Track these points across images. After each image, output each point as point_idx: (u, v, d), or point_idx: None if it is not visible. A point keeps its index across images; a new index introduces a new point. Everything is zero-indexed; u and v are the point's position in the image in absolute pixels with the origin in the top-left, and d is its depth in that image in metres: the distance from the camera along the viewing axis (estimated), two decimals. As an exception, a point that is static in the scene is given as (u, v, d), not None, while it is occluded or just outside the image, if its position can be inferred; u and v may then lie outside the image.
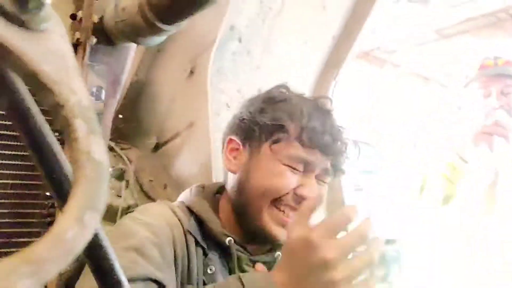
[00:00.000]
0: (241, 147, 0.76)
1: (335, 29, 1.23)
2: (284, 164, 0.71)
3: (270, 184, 0.70)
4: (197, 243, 0.71)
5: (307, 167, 0.72)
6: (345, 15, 1.22)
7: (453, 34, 9.28)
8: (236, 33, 0.99)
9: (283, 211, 0.72)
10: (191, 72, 0.95)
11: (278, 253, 0.76)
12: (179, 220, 0.71)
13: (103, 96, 0.73)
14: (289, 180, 0.71)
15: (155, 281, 0.62)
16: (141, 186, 1.28)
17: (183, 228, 0.71)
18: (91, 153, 0.25)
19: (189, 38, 0.97)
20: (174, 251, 0.68)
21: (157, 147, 1.21)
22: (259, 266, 0.68)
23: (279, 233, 0.71)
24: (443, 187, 1.38)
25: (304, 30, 1.17)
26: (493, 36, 9.46)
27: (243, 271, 0.72)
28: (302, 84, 1.25)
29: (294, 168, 0.72)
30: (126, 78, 0.80)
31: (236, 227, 0.75)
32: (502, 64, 1.39)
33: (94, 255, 0.33)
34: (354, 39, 1.24)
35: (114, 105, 0.80)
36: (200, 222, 0.73)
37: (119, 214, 1.28)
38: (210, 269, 0.69)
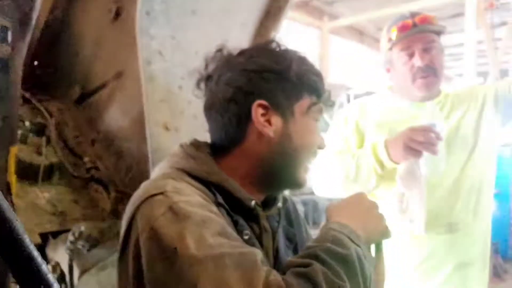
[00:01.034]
0: (270, 110, 0.77)
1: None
2: (314, 121, 0.81)
3: (312, 142, 0.80)
4: (227, 213, 0.72)
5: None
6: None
7: (388, -12, 9.45)
8: (168, -29, 0.89)
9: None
10: (117, 14, 0.84)
11: (279, 204, 0.84)
12: (204, 192, 0.72)
13: (9, 38, 0.62)
14: (319, 134, 0.82)
15: None
16: (65, 142, 1.18)
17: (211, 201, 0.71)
18: None
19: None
20: None
21: (81, 98, 1.10)
22: None
23: (306, 178, 0.82)
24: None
25: (243, -26, 1.09)
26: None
27: (263, 227, 0.78)
28: (242, 33, 1.18)
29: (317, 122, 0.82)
30: (37, 17, 0.68)
31: (250, 185, 0.78)
32: (419, 22, 1.43)
33: (8, 247, 0.27)
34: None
35: (24, 48, 0.69)
36: (221, 190, 0.74)
37: (40, 172, 1.17)
38: (246, 234, 0.72)
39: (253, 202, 0.75)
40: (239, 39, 1.18)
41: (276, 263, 0.78)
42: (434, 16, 1.48)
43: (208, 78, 0.80)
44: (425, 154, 1.27)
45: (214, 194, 0.72)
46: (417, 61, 1.42)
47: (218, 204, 0.71)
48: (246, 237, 0.72)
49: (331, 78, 10.25)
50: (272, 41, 0.81)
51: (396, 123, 1.49)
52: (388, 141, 1.35)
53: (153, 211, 0.64)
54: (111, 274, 0.94)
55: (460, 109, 1.51)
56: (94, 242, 0.99)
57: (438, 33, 1.47)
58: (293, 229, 0.90)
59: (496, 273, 4.58)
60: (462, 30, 6.84)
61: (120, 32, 0.89)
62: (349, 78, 11.31)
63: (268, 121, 0.77)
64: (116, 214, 1.02)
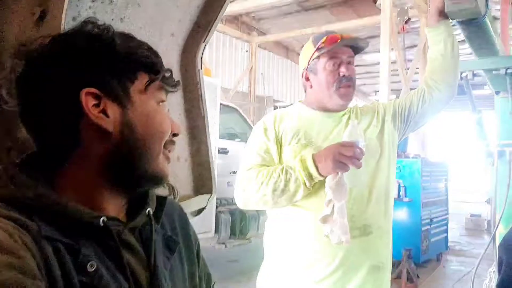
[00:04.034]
0: (103, 98, 0.64)
1: (205, -12, 1.19)
2: (158, 103, 0.70)
3: (161, 126, 0.68)
4: (56, 250, 0.57)
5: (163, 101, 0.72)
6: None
7: (312, 8, 10.09)
8: (96, -22, 0.88)
9: (168, 150, 0.72)
10: (41, 17, 0.81)
11: (148, 209, 0.71)
12: (19, 229, 0.55)
13: None
14: (168, 118, 0.71)
15: None
16: (-23, 150, 1.10)
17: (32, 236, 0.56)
18: None
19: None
20: None
21: (-3, 103, 1.03)
22: None
23: (168, 169, 0.71)
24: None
25: (173, -15, 1.11)
26: (344, 13, 10.58)
27: (126, 244, 0.66)
28: (172, 43, 1.20)
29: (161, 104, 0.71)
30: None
31: (102, 194, 0.66)
32: (347, 37, 1.58)
33: None
34: (223, 2, 1.23)
35: None
36: (55, 217, 0.59)
37: None
38: (91, 266, 0.59)
39: (101, 219, 0.62)
40: (169, 49, 1.19)
41: (154, 279, 0.67)
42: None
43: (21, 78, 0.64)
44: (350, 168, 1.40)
45: (39, 226, 0.57)
46: (344, 70, 1.57)
47: (45, 238, 0.56)
48: (91, 270, 0.58)
49: (259, 90, 10.51)
50: (87, 21, 0.67)
51: (311, 132, 1.60)
52: (315, 156, 1.45)
53: None
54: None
55: (364, 122, 1.66)
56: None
57: (355, 52, 1.63)
58: (175, 237, 0.77)
59: (410, 278, 4.89)
60: (378, 50, 7.41)
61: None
62: (277, 90, 11.69)
63: (104, 112, 0.64)
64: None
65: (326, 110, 1.64)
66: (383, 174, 1.62)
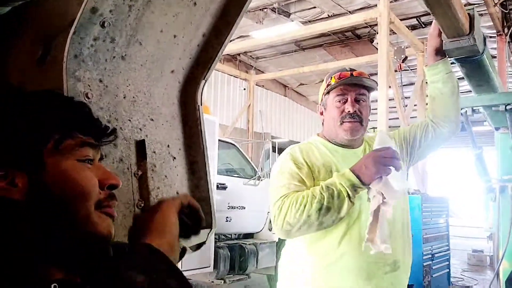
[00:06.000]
0: (9, 168, 0.61)
1: (205, 27, 1.22)
2: (79, 160, 0.66)
3: (80, 187, 0.63)
4: None
5: (96, 155, 0.68)
6: (215, 15, 1.22)
7: (309, 47, 10.34)
8: (98, 17, 0.90)
9: (107, 207, 0.67)
10: (44, 55, 0.82)
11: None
12: None
13: None
14: (92, 176, 0.66)
15: None
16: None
17: None
18: None
19: (41, 16, 0.85)
20: None
21: None
22: None
23: (109, 227, 0.66)
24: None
25: (174, 24, 1.13)
26: (341, 52, 10.84)
27: None
28: (172, 80, 1.21)
29: (88, 160, 0.67)
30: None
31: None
32: (356, 75, 1.64)
33: None
34: (223, 41, 1.25)
35: None
36: None
37: None
38: None
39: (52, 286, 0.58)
40: (169, 85, 1.20)
41: None
42: (368, 74, 1.72)
43: None
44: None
45: None
46: (348, 107, 1.63)
47: None
48: None
49: (257, 127, 10.58)
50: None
51: (342, 169, 1.60)
52: (353, 168, 1.47)
53: None
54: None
55: None
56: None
57: (369, 89, 1.68)
58: None
59: (412, 315, 4.76)
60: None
61: (46, 75, 0.86)
62: (275, 127, 11.77)
63: (12, 182, 0.61)
64: None
65: (343, 146, 1.69)
66: (405, 209, 1.66)
